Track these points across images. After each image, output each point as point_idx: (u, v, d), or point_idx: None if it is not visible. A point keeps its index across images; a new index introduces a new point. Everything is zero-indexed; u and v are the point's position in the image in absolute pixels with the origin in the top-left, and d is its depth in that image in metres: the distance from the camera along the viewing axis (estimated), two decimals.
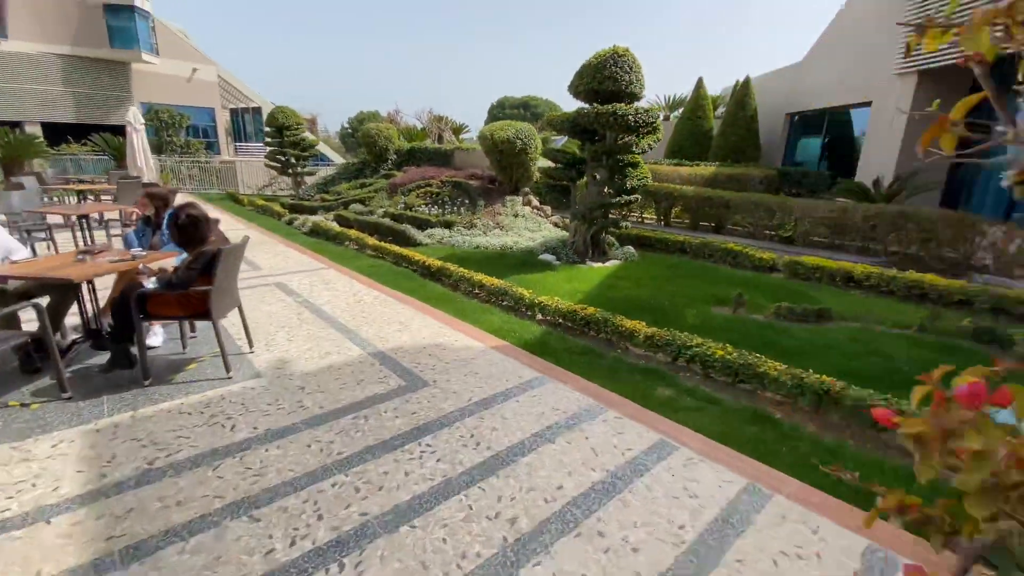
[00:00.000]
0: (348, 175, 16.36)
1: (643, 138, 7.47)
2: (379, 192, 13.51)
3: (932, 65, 9.77)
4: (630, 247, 8.95)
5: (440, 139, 18.62)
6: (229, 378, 3.75)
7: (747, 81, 15.65)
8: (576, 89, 7.66)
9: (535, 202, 11.92)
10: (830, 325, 5.45)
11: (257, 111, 36.50)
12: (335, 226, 10.23)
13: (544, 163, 11.40)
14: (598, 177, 8.26)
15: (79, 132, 23.86)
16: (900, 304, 6.29)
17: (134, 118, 13.48)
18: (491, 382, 3.78)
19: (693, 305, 5.96)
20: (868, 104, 12.14)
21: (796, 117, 15.62)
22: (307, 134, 16.72)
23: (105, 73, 27.12)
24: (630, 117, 7.07)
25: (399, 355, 4.23)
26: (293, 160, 16.59)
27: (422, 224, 10.43)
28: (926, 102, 10.29)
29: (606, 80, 7.30)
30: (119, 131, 27.24)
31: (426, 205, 11.39)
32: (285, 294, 5.92)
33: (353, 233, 9.26)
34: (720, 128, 16.17)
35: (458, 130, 21.00)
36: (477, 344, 4.54)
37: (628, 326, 4.56)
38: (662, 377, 4.04)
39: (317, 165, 23.38)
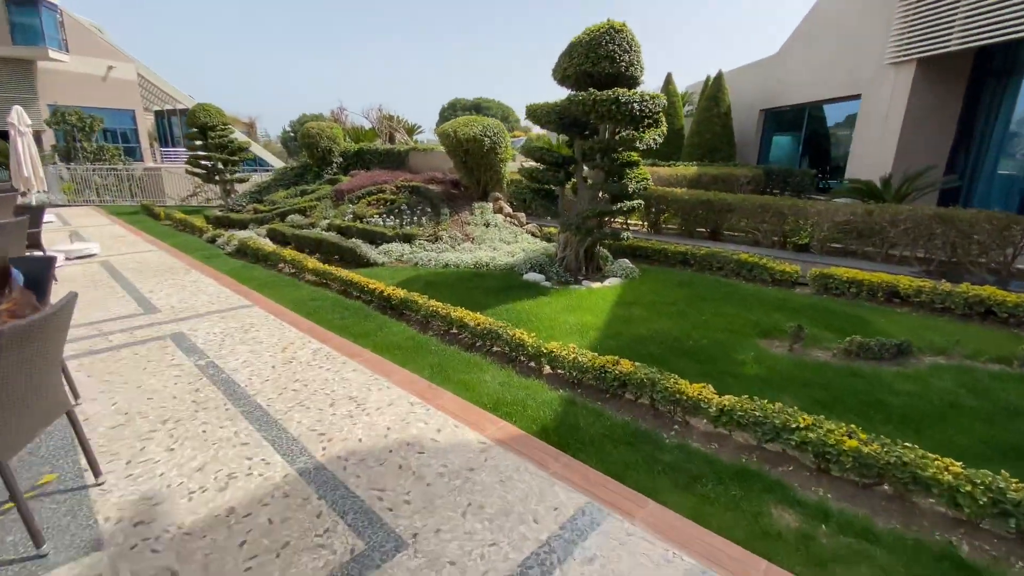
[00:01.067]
0: (286, 181, 14.33)
1: (645, 132, 6.13)
2: (322, 200, 11.63)
3: (933, 52, 9.00)
4: (626, 260, 7.62)
5: (391, 139, 16.83)
6: (41, 556, 2.05)
7: (719, 76, 14.81)
8: (564, 72, 6.24)
9: (507, 209, 10.44)
10: (916, 363, 4.26)
11: (186, 113, 33.21)
12: (267, 244, 8.36)
13: (517, 164, 9.95)
14: (590, 180, 6.88)
15: None
16: (964, 326, 5.22)
17: (17, 118, 11.01)
18: (510, 526, 2.25)
19: (736, 340, 4.64)
20: (855, 98, 11.41)
21: (771, 113, 14.89)
22: (237, 135, 14.55)
23: (5, 72, 23.64)
24: (635, 105, 5.71)
25: (351, 473, 2.63)
26: (220, 165, 14.38)
27: (376, 238, 8.73)
28: (928, 92, 9.56)
29: (602, 60, 5.93)
30: None
31: (380, 215, 9.67)
32: (183, 354, 4.15)
33: (289, 253, 7.46)
34: (692, 126, 15.28)
35: (411, 130, 19.24)
36: (471, 436, 2.99)
37: (691, 393, 3.14)
38: (767, 485, 2.63)
39: (254, 171, 21.01)
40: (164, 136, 34.57)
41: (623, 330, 4.87)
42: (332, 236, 8.44)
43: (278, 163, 30.55)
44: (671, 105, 16.06)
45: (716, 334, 4.78)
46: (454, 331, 4.80)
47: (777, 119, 14.83)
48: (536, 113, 6.51)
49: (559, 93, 6.74)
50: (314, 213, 10.55)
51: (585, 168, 6.78)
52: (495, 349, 4.38)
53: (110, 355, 4.07)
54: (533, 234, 9.73)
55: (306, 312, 5.37)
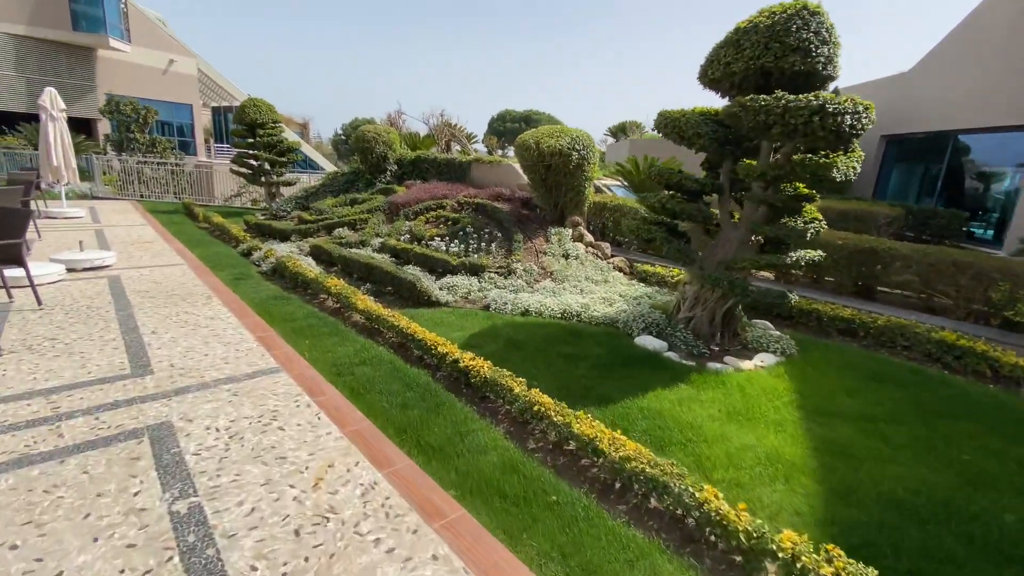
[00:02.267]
0: (336, 188, 13.06)
1: (844, 156, 4.28)
2: (374, 213, 10.20)
3: None
4: (767, 324, 5.75)
5: (448, 148, 15.41)
6: None
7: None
8: (727, 69, 4.48)
9: (589, 237, 8.70)
10: None
11: None
12: (308, 267, 6.87)
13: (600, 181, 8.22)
14: (737, 216, 5.07)
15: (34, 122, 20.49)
16: None
17: (50, 101, 10.08)
18: None
19: None
20: (1020, 128, 9.18)
21: (895, 140, 12.66)
22: (287, 134, 13.43)
23: (66, 59, 23.78)
24: (846, 117, 3.89)
25: None
26: (267, 166, 13.25)
27: (436, 266, 7.14)
28: None
29: (791, 53, 4.15)
30: (83, 125, 23.74)
31: (441, 237, 8.10)
32: (157, 480, 2.56)
33: (334, 284, 5.93)
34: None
35: (468, 139, 17.88)
36: None
37: None
38: None
39: (303, 172, 20.06)
40: (220, 132, 34.68)
41: (850, 478, 3.02)
42: (386, 262, 6.89)
43: (328, 166, 29.90)
44: None
45: (1008, 503, 2.87)
46: (573, 450, 3.07)
47: (903, 148, 12.59)
48: (678, 124, 4.75)
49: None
50: (365, 228, 9.09)
51: (741, 199, 4.98)
52: (660, 506, 2.62)
53: (44, 475, 2.52)
54: (621, 270, 7.95)
55: (354, 389, 3.75)
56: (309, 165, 30.26)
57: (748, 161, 4.76)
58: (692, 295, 5.23)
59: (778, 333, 5.48)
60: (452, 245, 7.78)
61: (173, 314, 5.04)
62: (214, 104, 36.24)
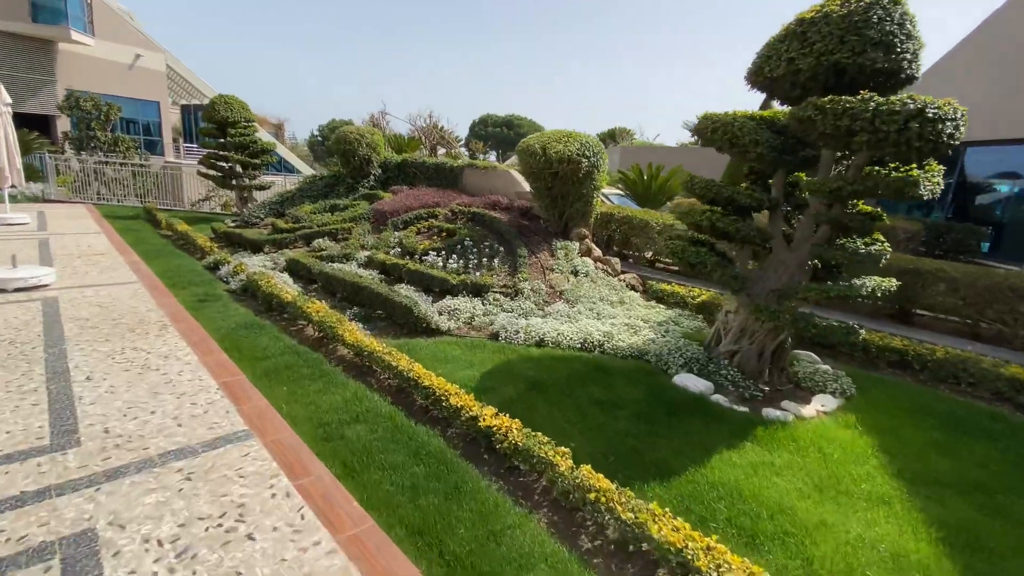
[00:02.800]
0: (314, 192, 12.08)
1: (920, 171, 3.64)
2: (359, 222, 9.31)
3: None
4: (812, 356, 5.11)
5: (434, 151, 14.57)
6: None
7: None
8: (790, 66, 3.81)
9: (597, 251, 7.99)
10: None
11: None
12: (284, 288, 5.95)
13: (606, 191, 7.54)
14: (793, 238, 4.41)
15: None
16: None
17: None
18: None
19: None
20: None
21: None
22: (261, 134, 12.42)
23: (24, 51, 22.16)
24: (946, 123, 3.25)
25: None
26: (239, 168, 12.20)
27: (432, 285, 6.31)
28: None
29: (872, 48, 3.50)
30: (40, 122, 22.09)
31: (436, 250, 7.26)
32: None
33: (316, 310, 5.04)
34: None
35: (455, 143, 17.06)
36: None
37: None
38: None
39: (278, 174, 18.92)
40: (189, 132, 33.08)
41: None
42: (375, 281, 6.03)
43: (306, 169, 28.69)
44: None
45: None
46: (653, 559, 2.30)
47: None
48: (730, 130, 4.05)
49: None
50: (349, 239, 8.19)
51: (802, 217, 4.31)
52: None
53: None
54: (633, 288, 7.25)
55: (348, 464, 2.91)
56: (285, 167, 28.96)
57: (801, 175, 4.09)
58: (737, 326, 4.54)
59: (828, 368, 4.83)
60: (450, 261, 6.95)
61: (117, 351, 4.11)
62: (184, 102, 34.60)
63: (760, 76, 4.09)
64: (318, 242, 8.50)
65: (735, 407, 4.03)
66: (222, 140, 11.94)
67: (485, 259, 7.06)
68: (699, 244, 4.59)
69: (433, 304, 5.95)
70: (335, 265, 7.12)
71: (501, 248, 7.41)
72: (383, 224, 9.01)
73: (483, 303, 6.00)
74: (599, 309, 6.16)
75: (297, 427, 3.24)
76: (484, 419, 3.17)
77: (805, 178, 4.06)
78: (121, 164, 15.66)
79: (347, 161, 11.89)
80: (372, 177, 12.24)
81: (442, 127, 14.04)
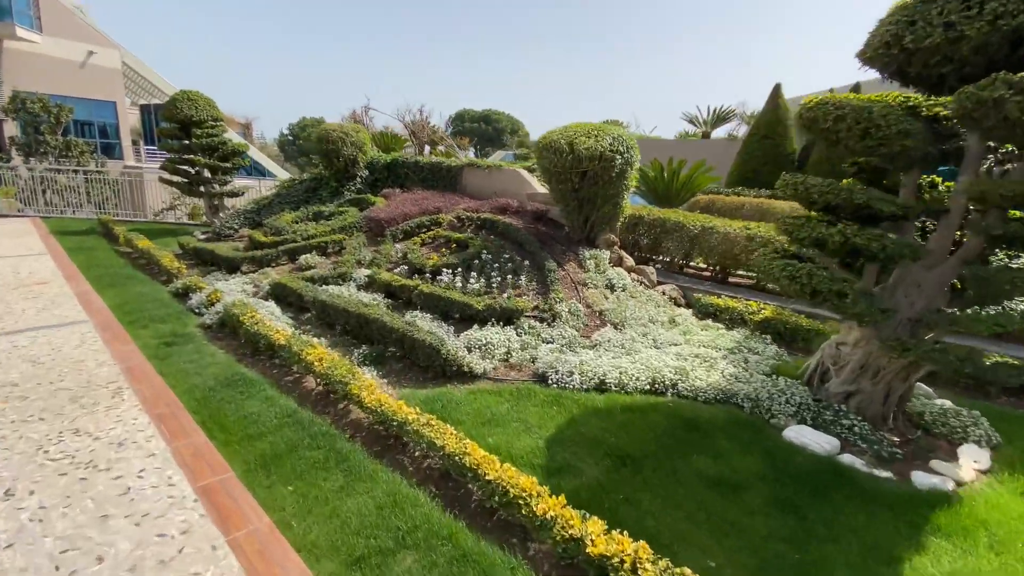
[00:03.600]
0: (294, 198, 10.84)
1: None
2: (351, 232, 8.18)
3: None
4: (926, 388, 4.27)
5: (421, 150, 13.42)
6: None
7: (857, 88, 11.69)
8: (947, 34, 2.89)
9: (629, 260, 7.06)
10: None
11: None
12: (271, 325, 4.82)
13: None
14: (936, 253, 3.51)
15: None
16: None
17: None
18: None
19: None
20: None
21: None
22: (229, 134, 11.11)
23: None
24: None
25: None
26: (207, 173, 10.87)
27: (453, 311, 5.27)
28: None
29: None
30: None
31: (450, 267, 6.21)
32: None
33: (317, 356, 3.96)
34: (818, 149, 12.11)
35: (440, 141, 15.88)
36: None
37: None
38: None
39: (248, 179, 17.47)
40: (150, 133, 31.04)
41: None
42: (388, 314, 4.95)
43: (279, 172, 27.06)
44: (780, 123, 12.90)
45: None
46: None
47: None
48: (867, 117, 3.12)
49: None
50: (343, 254, 7.05)
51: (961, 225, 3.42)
52: None
53: None
54: (675, 301, 6.34)
55: None
56: (256, 171, 27.29)
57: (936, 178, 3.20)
58: (856, 362, 3.64)
59: (949, 404, 3.98)
60: (469, 279, 5.91)
61: (53, 437, 2.98)
62: (143, 101, 32.50)
63: (897, 47, 3.16)
64: (305, 258, 7.35)
65: (875, 472, 3.14)
66: (186, 142, 10.59)
67: (508, 276, 6.04)
68: (792, 258, 3.67)
69: (457, 336, 4.92)
70: (331, 289, 6.01)
71: (523, 261, 6.40)
72: (380, 235, 7.89)
73: (517, 332, 4.99)
74: (653, 333, 5.21)
75: (320, 565, 2.20)
76: (592, 541, 2.18)
77: (986, 180, 3.17)
78: (74, 171, 14.07)
79: (330, 162, 10.68)
80: (359, 179, 11.07)
81: (434, 124, 12.91)
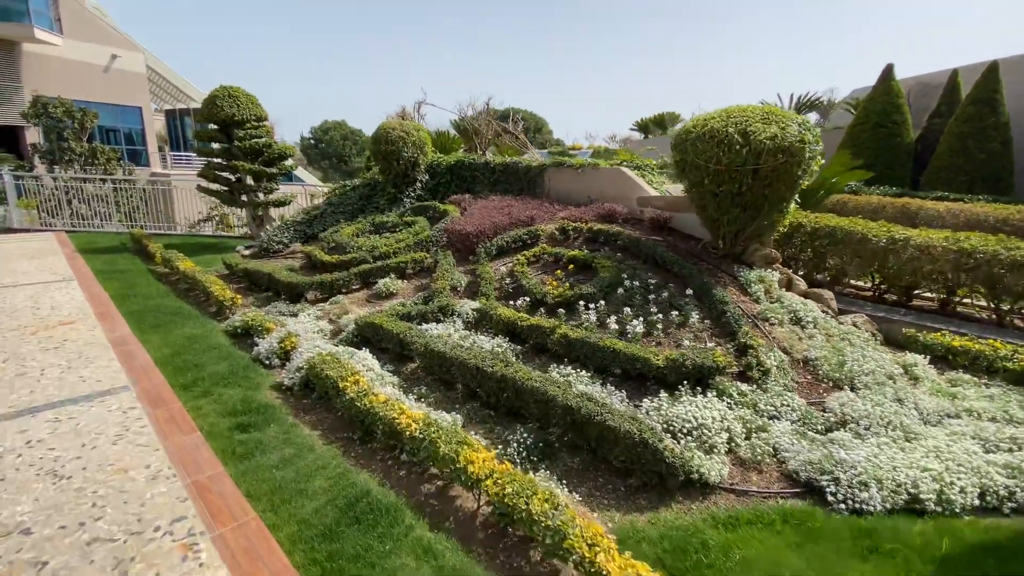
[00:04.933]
0: (348, 207, 9.51)
1: None
2: (428, 248, 6.80)
3: None
4: None
5: (483, 151, 11.96)
6: None
7: (993, 69, 9.97)
8: None
9: (801, 283, 5.53)
10: None
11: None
12: (392, 403, 3.40)
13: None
14: None
15: None
16: None
17: None
18: None
19: None
20: None
21: None
22: (274, 137, 9.83)
23: None
24: None
25: None
26: (250, 180, 9.60)
27: (615, 364, 3.81)
28: None
29: None
30: (7, 135, 19.29)
31: (583, 298, 4.74)
32: None
33: (478, 463, 2.54)
34: (946, 142, 10.37)
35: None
36: None
37: None
38: None
39: (290, 184, 16.29)
40: (175, 139, 30.32)
41: None
42: (549, 382, 3.48)
43: (309, 179, 25.92)
44: (897, 110, 11.18)
45: None
46: None
47: None
48: None
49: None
50: (435, 279, 5.62)
51: None
52: None
53: None
54: (875, 337, 4.78)
55: None
56: (286, 177, 26.25)
57: None
58: None
59: None
60: (616, 314, 4.43)
61: None
62: (168, 107, 31.81)
63: None
64: (385, 283, 5.96)
65: None
66: (227, 145, 9.32)
67: (667, 311, 4.55)
68: None
69: (631, 402, 3.47)
70: (433, 330, 4.59)
71: (667, 284, 4.91)
72: (470, 251, 6.48)
73: (720, 400, 3.50)
74: (908, 397, 3.69)
75: None
76: None
77: None
78: (102, 179, 12.97)
79: (389, 166, 9.32)
80: (418, 184, 9.70)
81: (496, 116, 11.45)
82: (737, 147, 4.73)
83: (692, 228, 6.31)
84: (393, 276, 6.22)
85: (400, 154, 9.13)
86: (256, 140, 9.34)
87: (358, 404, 3.22)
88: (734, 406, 3.47)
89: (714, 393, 3.57)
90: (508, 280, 5.47)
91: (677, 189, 7.57)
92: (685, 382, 3.65)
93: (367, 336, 4.66)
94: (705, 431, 3.14)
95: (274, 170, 9.43)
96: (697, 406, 3.33)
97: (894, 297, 6.17)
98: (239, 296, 5.84)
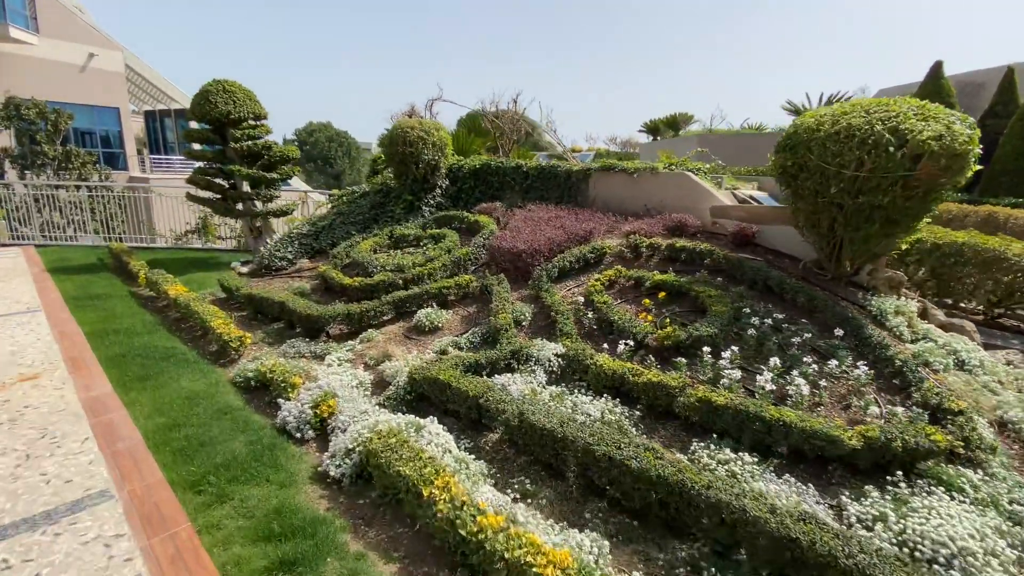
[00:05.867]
0: (359, 216, 8.39)
1: None
2: (465, 266, 5.75)
3: None
4: None
5: (508, 152, 10.90)
6: None
7: None
8: None
9: (936, 311, 4.60)
10: None
11: (183, 114, 27.47)
12: (518, 535, 2.34)
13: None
14: None
15: None
16: None
17: None
18: None
19: None
20: None
21: None
22: (271, 138, 8.65)
23: None
24: None
25: None
26: (247, 188, 8.43)
27: (779, 441, 2.81)
28: None
29: None
30: None
31: (709, 338, 3.74)
32: None
33: None
34: (1012, 142, 9.60)
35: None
36: None
37: None
38: None
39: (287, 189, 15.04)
40: (155, 141, 28.72)
41: None
42: (801, 524, 2.47)
43: (300, 184, 24.49)
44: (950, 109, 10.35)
45: None
46: None
47: None
48: None
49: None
50: (496, 313, 4.55)
51: None
52: None
53: None
54: None
55: None
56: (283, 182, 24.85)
57: None
58: None
59: None
60: (740, 359, 3.43)
61: None
62: (148, 108, 30.20)
63: None
64: (426, 315, 4.88)
65: None
66: (221, 147, 8.14)
67: (803, 355, 3.56)
68: None
69: (825, 503, 2.47)
70: (511, 385, 3.53)
71: (838, 332, 3.93)
72: (520, 274, 5.43)
73: (950, 497, 2.52)
74: None
75: None
76: None
77: None
78: (76, 185, 11.64)
79: (406, 170, 8.24)
80: (438, 191, 8.63)
81: (523, 114, 10.40)
82: (889, 149, 3.77)
83: (785, 244, 5.36)
84: (434, 305, 5.15)
85: (419, 157, 8.05)
86: (255, 141, 8.18)
87: (459, 529, 2.17)
88: (971, 505, 2.49)
89: (934, 484, 2.59)
90: (588, 312, 4.43)
91: (724, 197, 6.64)
92: (890, 465, 2.66)
93: (424, 393, 3.59)
94: (969, 560, 2.15)
95: (275, 175, 8.27)
96: (938, 513, 2.34)
97: (1013, 322, 5.31)
98: (248, 335, 4.71)
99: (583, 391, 3.55)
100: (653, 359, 3.70)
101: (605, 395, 3.44)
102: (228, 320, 4.88)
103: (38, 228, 10.66)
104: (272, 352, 4.64)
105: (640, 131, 20.45)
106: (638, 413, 3.30)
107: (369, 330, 4.89)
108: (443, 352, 4.27)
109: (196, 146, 8.63)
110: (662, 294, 4.48)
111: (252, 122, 8.32)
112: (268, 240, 8.36)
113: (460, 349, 4.33)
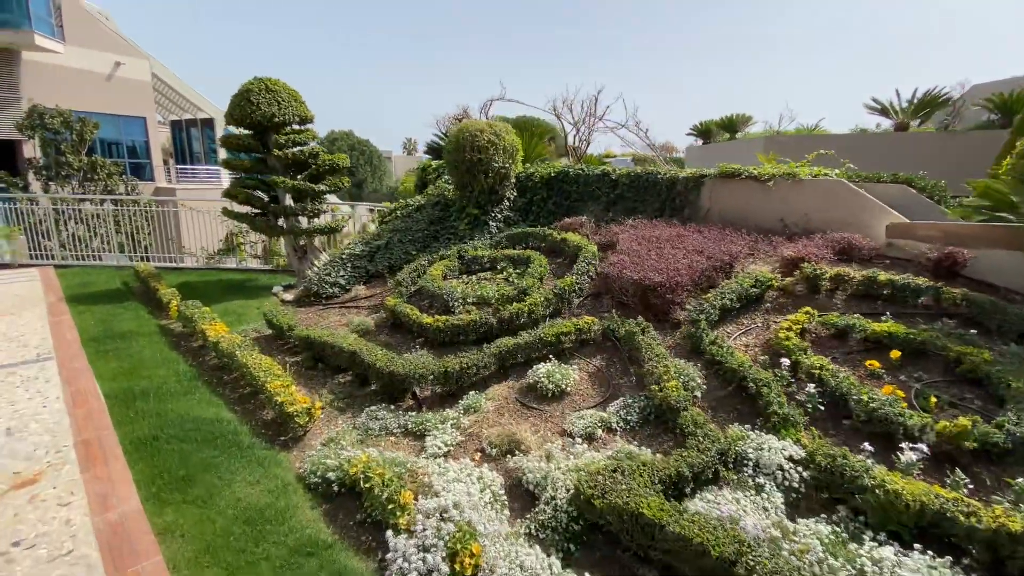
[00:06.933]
0: (417, 233, 7.24)
1: None
2: (569, 299, 4.50)
3: None
4: None
5: (578, 159, 9.65)
6: None
7: None
8: None
9: None
10: None
11: (209, 124, 26.86)
12: None
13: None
14: None
15: None
16: None
17: None
18: None
19: None
20: None
21: None
22: (314, 144, 7.53)
23: None
24: None
25: None
26: (290, 201, 7.32)
27: None
28: None
29: None
30: (5, 149, 17.15)
31: (984, 426, 2.46)
32: None
33: None
34: None
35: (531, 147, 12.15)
36: None
37: None
38: None
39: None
40: (181, 151, 28.16)
41: None
42: None
43: (331, 197, 23.65)
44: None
45: None
46: None
47: None
48: None
49: None
50: (664, 380, 3.29)
51: None
52: None
53: None
54: None
55: None
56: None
57: None
58: None
59: None
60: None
61: None
62: (174, 117, 29.72)
63: None
64: (547, 373, 3.64)
65: None
66: (262, 155, 7.04)
67: None
68: None
69: None
70: (746, 520, 2.28)
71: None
72: (652, 312, 4.17)
73: None
74: None
75: None
76: None
77: None
78: (102, 199, 10.73)
79: (472, 180, 7.08)
80: (506, 203, 7.44)
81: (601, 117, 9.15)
82: None
83: (1007, 276, 4.02)
84: (552, 357, 3.92)
85: (490, 164, 6.88)
86: (299, 148, 7.08)
87: None
88: None
89: None
90: (792, 379, 3.15)
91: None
92: None
93: (600, 523, 2.34)
94: None
95: (322, 187, 7.14)
96: None
97: None
98: (318, 403, 3.52)
99: (857, 524, 2.26)
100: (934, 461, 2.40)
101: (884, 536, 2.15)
102: (288, 380, 3.70)
103: (61, 243, 9.72)
104: (348, 426, 3.44)
105: (688, 133, 19.09)
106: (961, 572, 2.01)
107: (471, 392, 3.68)
108: (590, 437, 3.03)
109: (244, 154, 7.48)
110: (895, 353, 3.17)
111: (296, 127, 7.23)
112: (314, 261, 7.23)
113: (612, 432, 3.09)
